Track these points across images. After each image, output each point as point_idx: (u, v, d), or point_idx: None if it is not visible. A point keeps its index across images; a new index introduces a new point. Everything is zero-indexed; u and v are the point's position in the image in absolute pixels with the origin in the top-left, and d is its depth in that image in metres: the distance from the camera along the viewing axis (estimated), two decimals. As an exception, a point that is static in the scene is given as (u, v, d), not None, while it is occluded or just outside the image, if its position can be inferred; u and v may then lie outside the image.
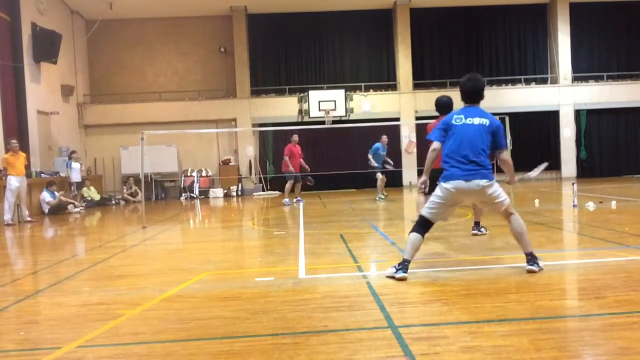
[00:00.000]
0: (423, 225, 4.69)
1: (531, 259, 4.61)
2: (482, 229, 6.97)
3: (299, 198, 13.99)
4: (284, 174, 13.84)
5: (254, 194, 18.57)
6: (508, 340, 2.99)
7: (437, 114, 6.70)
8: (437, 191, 4.69)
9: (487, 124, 4.67)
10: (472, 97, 4.84)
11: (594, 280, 4.34)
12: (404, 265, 4.54)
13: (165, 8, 19.14)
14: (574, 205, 9.61)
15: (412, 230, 4.68)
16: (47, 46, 15.67)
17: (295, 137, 13.87)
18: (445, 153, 4.72)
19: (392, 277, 4.51)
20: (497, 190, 4.66)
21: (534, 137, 20.20)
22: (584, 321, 3.37)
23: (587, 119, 20.16)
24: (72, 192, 14.75)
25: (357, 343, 3.09)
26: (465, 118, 4.70)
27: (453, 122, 4.73)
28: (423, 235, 4.66)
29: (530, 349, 2.84)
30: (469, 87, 4.85)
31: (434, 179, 6.32)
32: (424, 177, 4.99)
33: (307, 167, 13.88)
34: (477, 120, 4.66)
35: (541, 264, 4.62)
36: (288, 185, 13.64)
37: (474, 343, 2.97)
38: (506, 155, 4.80)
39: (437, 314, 3.61)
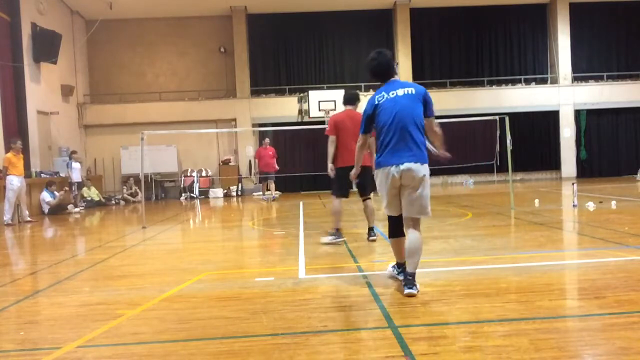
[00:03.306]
0: (394, 224, 4.34)
1: (411, 280, 4.07)
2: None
3: (274, 195, 15.91)
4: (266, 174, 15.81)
5: (254, 194, 18.57)
6: (508, 340, 2.99)
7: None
8: (377, 182, 4.31)
9: (414, 92, 4.18)
10: (382, 75, 4.34)
11: (594, 280, 4.33)
12: (403, 268, 4.43)
13: (165, 8, 19.16)
14: (574, 205, 9.61)
15: (390, 236, 4.43)
16: (47, 46, 15.68)
17: (267, 140, 16.08)
18: (378, 139, 4.26)
19: (395, 278, 4.49)
20: (427, 181, 4.14)
21: (534, 137, 20.21)
22: (584, 321, 3.37)
23: (587, 119, 20.18)
24: (72, 192, 14.76)
25: (357, 343, 3.09)
26: (387, 93, 4.22)
27: (376, 102, 4.25)
28: (402, 235, 4.30)
29: (530, 349, 2.83)
30: (374, 66, 4.33)
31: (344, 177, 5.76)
32: (354, 171, 4.79)
33: (276, 167, 15.80)
34: (400, 92, 4.18)
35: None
36: (271, 184, 15.90)
37: (474, 343, 2.97)
38: (434, 124, 4.27)
39: (437, 314, 3.61)
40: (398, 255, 4.46)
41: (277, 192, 16.53)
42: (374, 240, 6.66)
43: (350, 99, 6.73)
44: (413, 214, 4.14)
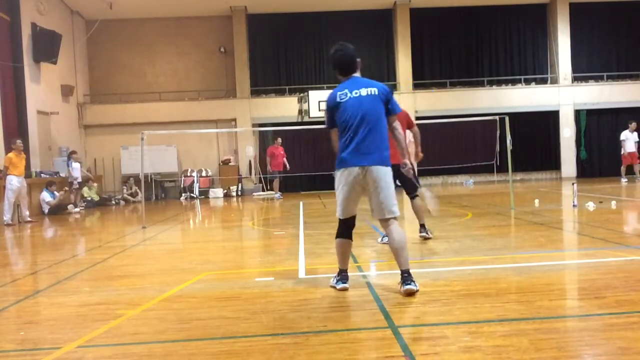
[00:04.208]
0: (345, 225, 4.31)
1: (408, 276, 4.04)
2: (427, 232, 6.54)
3: (277, 195, 16.33)
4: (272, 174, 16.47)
5: (254, 194, 18.58)
6: (508, 340, 2.98)
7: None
8: (336, 181, 4.22)
9: (377, 92, 4.13)
10: (346, 67, 4.30)
11: (594, 280, 4.33)
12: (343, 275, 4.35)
13: (165, 8, 19.15)
14: (574, 205, 9.61)
15: (337, 236, 4.35)
16: (47, 46, 15.68)
17: (279, 140, 16.43)
18: (341, 138, 4.16)
19: (334, 287, 4.33)
20: (390, 181, 4.12)
21: (534, 137, 20.20)
22: (584, 321, 3.37)
23: (587, 119, 20.18)
24: (71, 191, 14.76)
25: (357, 343, 3.09)
26: (351, 91, 4.17)
27: (338, 100, 4.19)
28: (350, 238, 4.32)
29: (530, 349, 2.83)
30: (339, 56, 4.28)
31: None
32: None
33: (287, 166, 16.39)
34: (364, 91, 4.13)
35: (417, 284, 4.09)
36: (276, 183, 16.49)
37: (474, 343, 2.97)
38: (397, 123, 4.21)
39: (437, 314, 3.61)
40: (342, 259, 4.36)
41: (280, 192, 16.58)
42: (427, 238, 6.48)
43: None
44: (383, 215, 4.14)
